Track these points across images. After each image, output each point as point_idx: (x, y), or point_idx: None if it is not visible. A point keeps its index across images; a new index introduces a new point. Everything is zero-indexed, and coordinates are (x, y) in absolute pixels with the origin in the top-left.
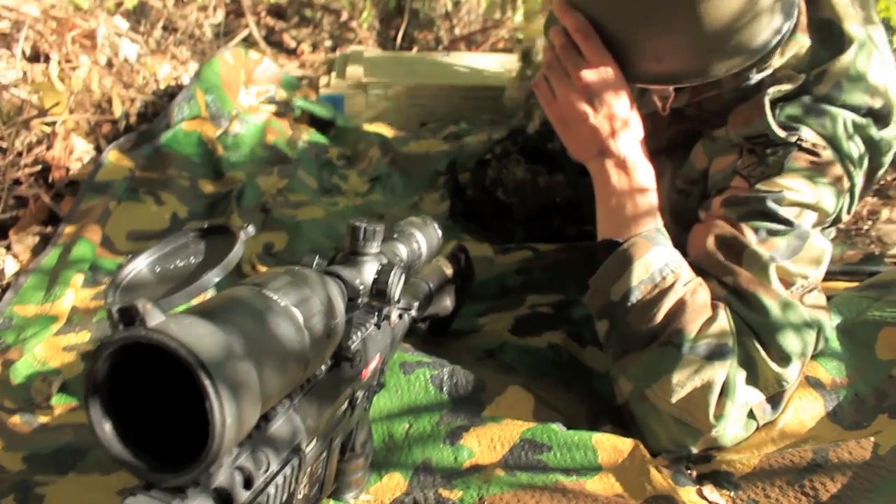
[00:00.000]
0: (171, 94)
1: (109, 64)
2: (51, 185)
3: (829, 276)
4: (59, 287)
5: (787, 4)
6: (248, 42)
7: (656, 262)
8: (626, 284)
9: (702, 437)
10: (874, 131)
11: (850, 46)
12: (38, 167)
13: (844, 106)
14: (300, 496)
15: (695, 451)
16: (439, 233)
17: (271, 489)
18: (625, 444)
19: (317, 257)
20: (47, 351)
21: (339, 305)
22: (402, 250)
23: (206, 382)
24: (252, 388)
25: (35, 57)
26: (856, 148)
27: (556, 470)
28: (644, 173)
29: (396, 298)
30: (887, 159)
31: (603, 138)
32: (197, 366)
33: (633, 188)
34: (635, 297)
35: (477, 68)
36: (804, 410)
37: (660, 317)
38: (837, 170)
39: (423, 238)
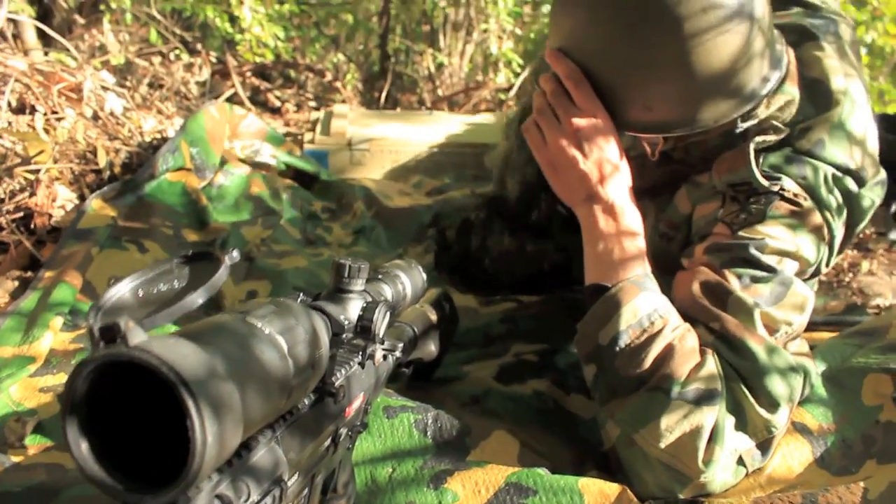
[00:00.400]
0: (155, 146)
1: (95, 117)
2: (32, 232)
3: (813, 326)
4: (38, 329)
5: (775, 56)
6: (234, 101)
7: (644, 308)
8: (614, 329)
9: (690, 483)
10: (852, 185)
11: (835, 107)
12: (21, 214)
13: (825, 161)
14: None
15: (682, 497)
16: (424, 276)
17: None
18: (611, 489)
19: (301, 294)
20: (23, 392)
21: (324, 337)
22: (387, 291)
23: (189, 401)
24: (234, 409)
25: (21, 109)
26: (835, 200)
27: None
28: (632, 219)
29: (381, 336)
30: (865, 216)
31: (592, 184)
32: (179, 384)
33: (621, 233)
34: (623, 341)
35: (460, 126)
36: (792, 456)
37: (648, 362)
38: (817, 219)
39: (408, 280)
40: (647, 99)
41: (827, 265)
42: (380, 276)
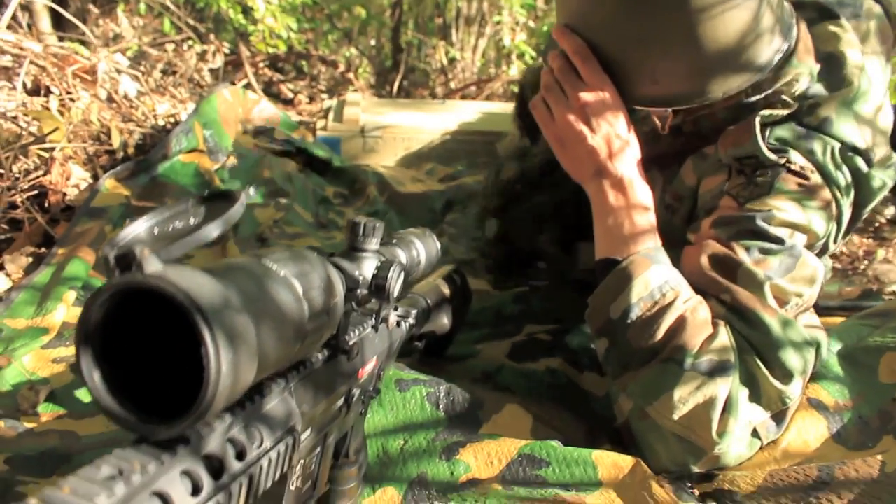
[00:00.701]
0: (169, 129)
1: (109, 99)
2: (46, 210)
3: (828, 311)
4: (51, 302)
5: (784, 27)
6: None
7: (656, 280)
8: (625, 302)
9: (705, 456)
10: (861, 163)
11: (848, 85)
12: (35, 192)
13: (833, 137)
14: (293, 487)
15: (697, 470)
16: (438, 245)
17: (264, 462)
18: (625, 461)
19: (315, 251)
20: (36, 362)
21: (339, 286)
22: (401, 255)
23: (203, 327)
24: (249, 341)
25: (36, 91)
26: (843, 177)
27: (556, 485)
28: (642, 193)
29: (396, 295)
30: (875, 196)
31: (600, 158)
32: (194, 309)
33: (631, 207)
34: (635, 314)
35: (472, 114)
36: (807, 431)
37: (660, 334)
38: (826, 194)
39: (423, 247)
40: (655, 73)
41: (835, 242)
42: (394, 241)
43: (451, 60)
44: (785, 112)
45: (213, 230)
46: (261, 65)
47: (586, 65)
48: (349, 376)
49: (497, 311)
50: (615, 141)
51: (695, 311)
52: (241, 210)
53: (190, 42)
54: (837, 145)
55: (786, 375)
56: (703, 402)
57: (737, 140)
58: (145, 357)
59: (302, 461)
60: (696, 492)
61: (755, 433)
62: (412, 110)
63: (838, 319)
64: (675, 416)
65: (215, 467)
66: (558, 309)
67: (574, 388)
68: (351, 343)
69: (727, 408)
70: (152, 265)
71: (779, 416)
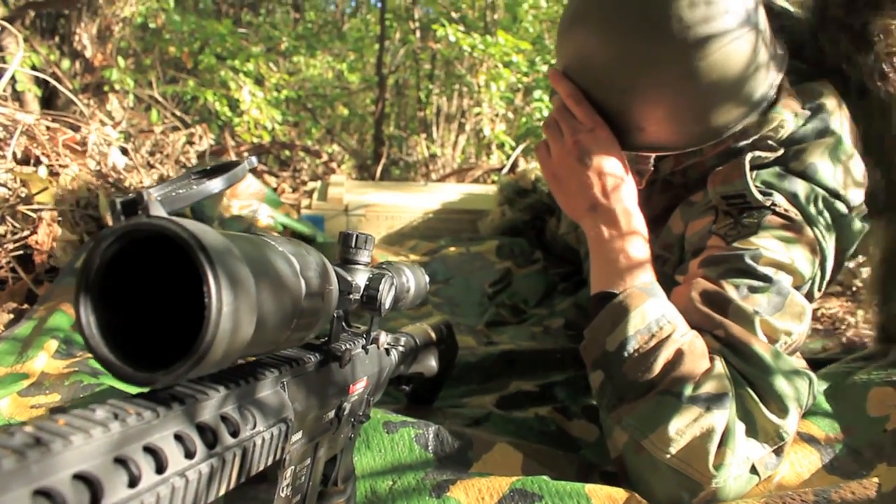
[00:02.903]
0: None
1: (98, 171)
2: (31, 270)
3: (814, 366)
4: (33, 350)
5: (777, 59)
6: None
7: (652, 313)
8: (622, 334)
9: (701, 491)
10: (842, 207)
11: (831, 135)
12: (20, 252)
13: (816, 184)
14: (283, 493)
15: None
16: (426, 278)
17: (257, 440)
18: (619, 494)
19: None
20: (14, 408)
21: (333, 276)
22: (392, 275)
23: (206, 266)
24: (249, 291)
25: (26, 161)
26: (823, 220)
27: None
28: (637, 226)
29: (387, 306)
30: (854, 240)
31: (593, 193)
32: (198, 248)
33: (626, 242)
34: (632, 346)
35: (455, 195)
36: (801, 464)
37: (658, 367)
38: (810, 236)
39: (412, 276)
40: (640, 121)
41: (819, 289)
42: (384, 266)
43: (433, 156)
44: (772, 155)
45: (216, 185)
46: (245, 154)
47: (579, 107)
48: (340, 387)
49: (483, 367)
50: (608, 177)
51: (692, 345)
52: (244, 171)
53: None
54: (821, 192)
55: (781, 409)
56: (699, 434)
57: (726, 178)
58: (144, 312)
59: (293, 468)
60: None
61: (753, 469)
62: (395, 191)
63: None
64: (673, 450)
65: (209, 439)
66: (545, 367)
67: (564, 435)
68: (343, 350)
69: (724, 440)
70: (158, 210)
71: (777, 451)
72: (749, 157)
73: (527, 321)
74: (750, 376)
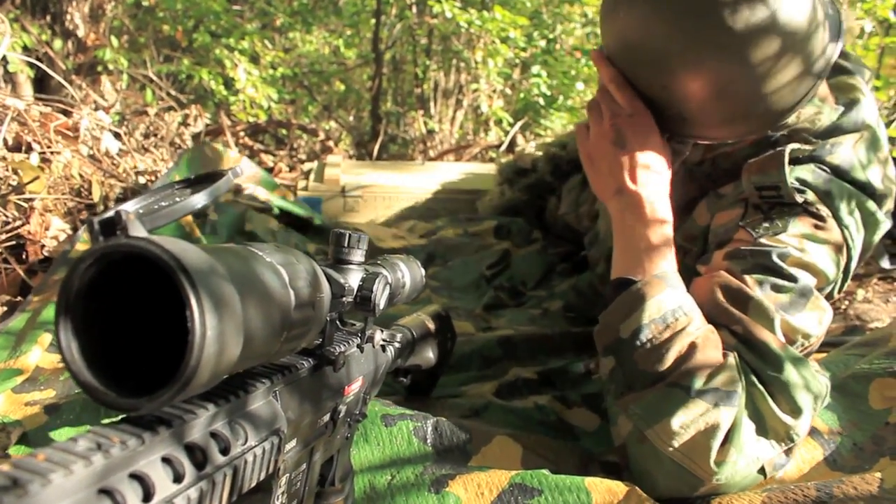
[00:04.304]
0: (150, 185)
1: (91, 156)
2: (24, 261)
3: None
4: (26, 344)
5: (834, 26)
6: None
7: (669, 304)
8: (636, 322)
9: (702, 486)
10: (873, 206)
11: (866, 128)
12: (13, 243)
13: (852, 182)
14: (278, 502)
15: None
16: (422, 272)
17: (248, 456)
18: (619, 487)
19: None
20: (8, 405)
21: (325, 284)
22: (386, 274)
23: (188, 289)
24: (235, 311)
25: (17, 148)
26: (854, 221)
27: None
28: (661, 214)
29: (381, 307)
30: (876, 236)
31: (622, 176)
32: (179, 271)
33: (648, 229)
34: (645, 336)
35: (453, 174)
36: (803, 459)
37: (669, 359)
38: (839, 236)
39: (407, 270)
40: (688, 110)
41: (839, 291)
42: (379, 262)
43: (430, 132)
44: (810, 148)
45: (199, 200)
46: (241, 134)
47: (620, 92)
48: (335, 390)
49: (482, 354)
50: (639, 163)
51: (706, 339)
52: (228, 183)
53: (172, 111)
54: (855, 191)
55: (794, 410)
56: (703, 429)
57: (762, 168)
58: (126, 335)
59: (287, 476)
60: None
61: (762, 470)
62: (392, 171)
63: (823, 355)
64: (676, 443)
65: (198, 459)
66: (543, 352)
67: (563, 424)
68: (337, 353)
69: (728, 437)
70: (137, 230)
71: (786, 452)
72: (789, 148)
73: (525, 304)
74: (764, 375)
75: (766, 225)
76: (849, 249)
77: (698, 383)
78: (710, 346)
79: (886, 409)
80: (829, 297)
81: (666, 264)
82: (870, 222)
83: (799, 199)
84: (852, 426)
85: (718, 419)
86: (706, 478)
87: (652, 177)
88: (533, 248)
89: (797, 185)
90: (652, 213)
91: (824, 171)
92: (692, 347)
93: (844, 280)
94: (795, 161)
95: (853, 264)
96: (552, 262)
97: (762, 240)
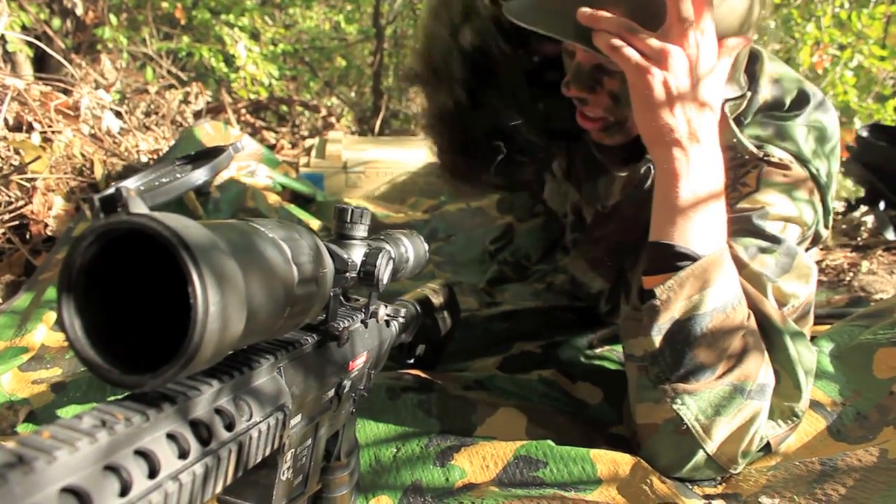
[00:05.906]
0: (152, 163)
1: (92, 135)
2: (28, 241)
3: (818, 319)
4: (31, 322)
5: None
6: None
7: (731, 291)
8: (699, 308)
9: (721, 474)
10: (822, 117)
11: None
12: (16, 223)
13: (802, 117)
14: (283, 477)
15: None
16: (426, 246)
17: (254, 432)
18: (624, 459)
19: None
20: (15, 384)
21: (328, 259)
22: (390, 249)
23: (190, 265)
24: (237, 286)
25: (18, 128)
26: (811, 150)
27: (554, 485)
28: (721, 175)
29: (385, 282)
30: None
31: (698, 125)
32: (181, 247)
33: (713, 188)
34: (705, 323)
35: None
36: (806, 433)
37: (729, 356)
38: (807, 175)
39: (410, 245)
40: None
41: (826, 226)
42: (382, 237)
43: None
44: (740, 93)
45: (200, 175)
46: (242, 111)
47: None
48: (340, 366)
49: (486, 329)
50: (709, 116)
51: (755, 333)
52: (228, 159)
53: (173, 88)
54: (802, 123)
55: (797, 387)
56: (741, 424)
57: None
58: (129, 312)
59: (293, 451)
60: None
61: (766, 446)
62: (394, 146)
63: (827, 326)
64: (717, 442)
65: (203, 435)
66: (547, 327)
67: (568, 397)
68: (341, 329)
69: (756, 431)
70: (138, 206)
71: (791, 430)
72: (726, 107)
73: (529, 278)
74: (770, 354)
75: (738, 190)
76: (821, 185)
77: (750, 384)
78: (759, 342)
79: (891, 379)
80: (817, 237)
81: (723, 235)
82: (825, 136)
83: (759, 153)
84: (856, 396)
85: (756, 416)
86: (731, 467)
87: (715, 134)
88: (536, 222)
89: (754, 142)
90: (719, 171)
91: (773, 120)
92: (747, 346)
93: (826, 214)
94: (741, 122)
95: (831, 193)
96: (556, 236)
97: (739, 205)
